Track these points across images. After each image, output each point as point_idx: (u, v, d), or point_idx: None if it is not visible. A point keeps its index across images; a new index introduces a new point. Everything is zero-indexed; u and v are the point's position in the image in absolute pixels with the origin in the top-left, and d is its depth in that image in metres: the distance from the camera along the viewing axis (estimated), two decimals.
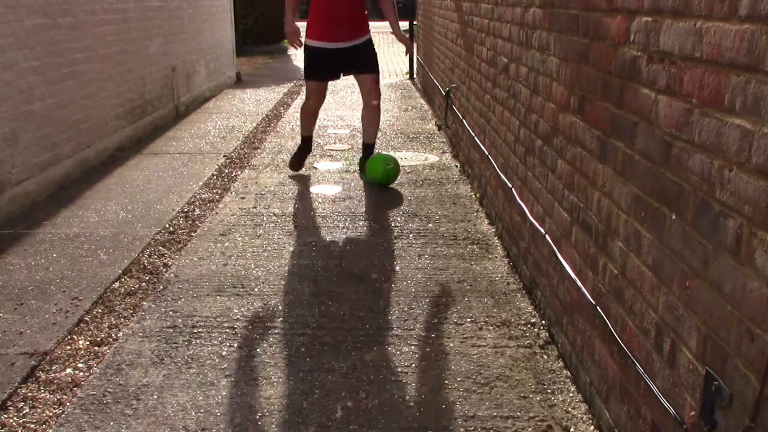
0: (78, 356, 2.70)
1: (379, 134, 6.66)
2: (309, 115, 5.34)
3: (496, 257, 3.66)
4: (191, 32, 8.56)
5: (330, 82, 5.28)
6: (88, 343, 2.80)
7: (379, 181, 4.95)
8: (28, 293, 3.23)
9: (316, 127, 7.22)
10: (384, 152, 5.75)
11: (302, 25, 4.95)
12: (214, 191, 4.89)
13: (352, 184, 5.05)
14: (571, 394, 2.43)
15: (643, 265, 1.87)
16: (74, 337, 2.85)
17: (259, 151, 6.15)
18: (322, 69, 5.10)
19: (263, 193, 4.83)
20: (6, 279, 3.38)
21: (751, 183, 1.33)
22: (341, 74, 5.20)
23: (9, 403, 2.39)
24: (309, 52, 5.09)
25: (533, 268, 3.12)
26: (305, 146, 5.44)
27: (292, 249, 3.77)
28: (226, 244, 3.85)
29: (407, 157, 5.85)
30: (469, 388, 2.46)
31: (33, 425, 2.27)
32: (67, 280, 3.37)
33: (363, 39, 5.06)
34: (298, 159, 5.39)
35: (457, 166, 5.50)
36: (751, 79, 1.33)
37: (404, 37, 5.27)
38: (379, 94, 5.22)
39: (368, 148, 5.33)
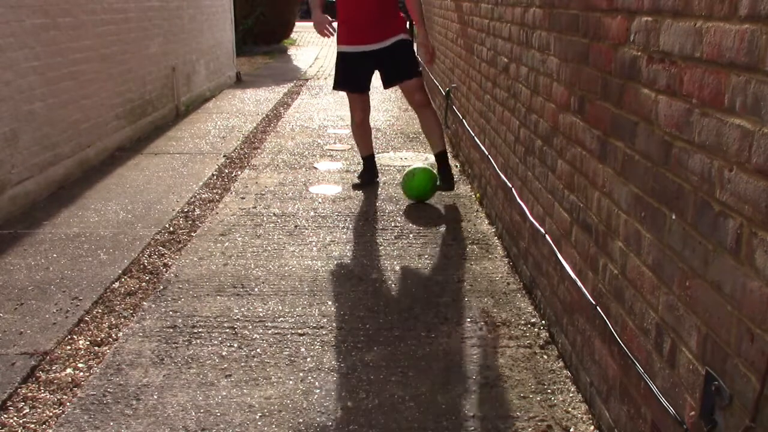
0: (78, 356, 2.70)
1: (378, 134, 6.70)
2: (358, 130, 4.93)
3: (496, 257, 3.66)
4: (191, 32, 8.56)
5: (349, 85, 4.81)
6: (88, 343, 2.80)
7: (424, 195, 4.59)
8: (28, 293, 3.23)
9: (317, 126, 7.25)
10: (382, 154, 5.75)
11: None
12: (214, 191, 4.89)
13: (352, 184, 5.05)
14: (571, 394, 2.43)
15: (643, 265, 1.87)
16: (74, 337, 2.85)
17: (259, 151, 6.15)
18: (349, 77, 4.71)
19: (263, 193, 4.83)
20: (6, 279, 3.38)
21: (751, 183, 1.33)
22: (370, 80, 4.77)
23: (9, 403, 2.39)
24: (337, 58, 4.75)
25: (533, 268, 3.12)
26: (366, 167, 5.07)
27: (292, 249, 3.77)
28: (226, 244, 3.85)
29: (407, 157, 5.85)
30: (469, 388, 2.46)
31: (33, 425, 2.27)
32: (67, 280, 3.37)
33: (394, 39, 4.58)
34: (361, 179, 5.05)
35: (457, 166, 5.50)
36: (751, 79, 1.33)
37: (429, 42, 4.73)
38: (428, 98, 4.75)
39: (440, 156, 4.76)
